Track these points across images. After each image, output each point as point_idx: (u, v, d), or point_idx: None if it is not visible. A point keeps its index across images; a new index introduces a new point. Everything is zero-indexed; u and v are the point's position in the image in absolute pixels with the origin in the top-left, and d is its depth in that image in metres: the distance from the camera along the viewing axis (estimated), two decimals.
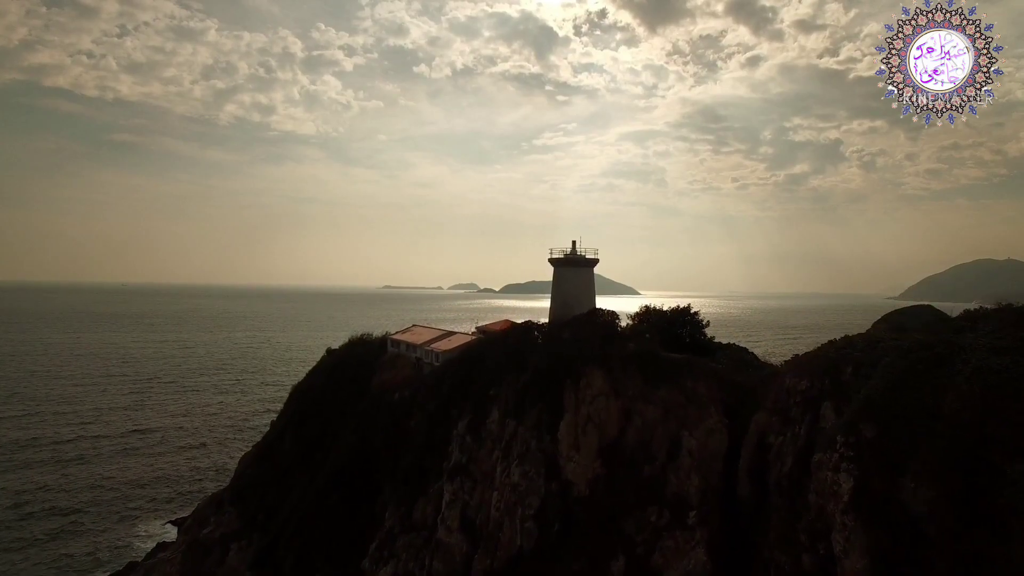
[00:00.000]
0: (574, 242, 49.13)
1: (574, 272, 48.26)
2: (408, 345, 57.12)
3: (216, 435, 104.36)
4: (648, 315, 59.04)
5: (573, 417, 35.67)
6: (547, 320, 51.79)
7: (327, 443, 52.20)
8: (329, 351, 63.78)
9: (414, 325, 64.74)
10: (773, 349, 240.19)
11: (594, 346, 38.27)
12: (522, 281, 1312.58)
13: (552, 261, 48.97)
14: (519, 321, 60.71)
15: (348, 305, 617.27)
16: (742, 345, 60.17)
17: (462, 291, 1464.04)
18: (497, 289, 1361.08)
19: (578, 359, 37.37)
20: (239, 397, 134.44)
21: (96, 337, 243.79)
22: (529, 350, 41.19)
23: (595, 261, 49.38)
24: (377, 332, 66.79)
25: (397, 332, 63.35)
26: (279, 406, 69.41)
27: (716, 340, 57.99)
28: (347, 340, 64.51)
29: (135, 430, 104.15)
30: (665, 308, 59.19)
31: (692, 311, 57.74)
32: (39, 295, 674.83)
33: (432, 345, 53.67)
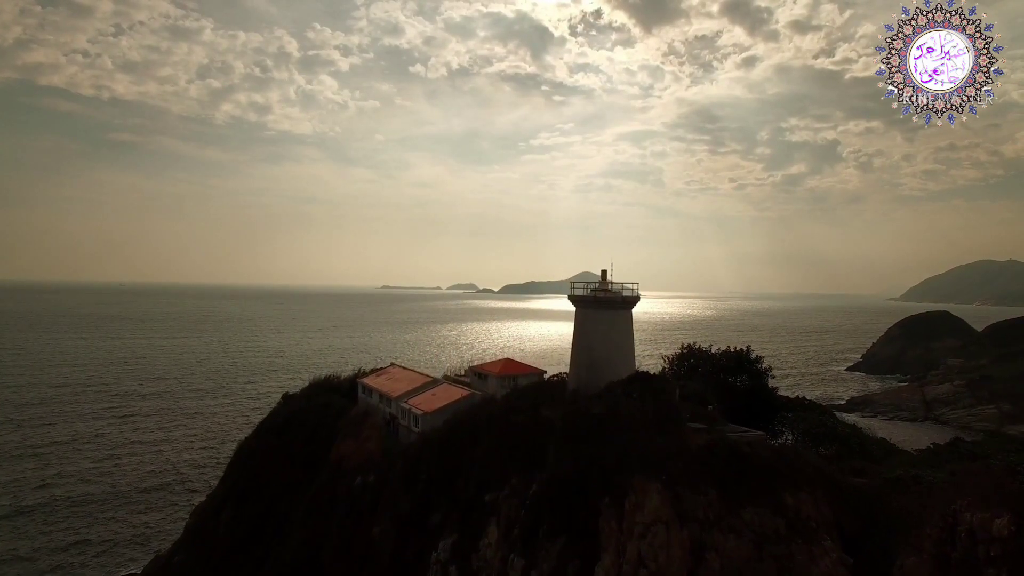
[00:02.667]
0: (604, 271, 34.81)
1: (605, 317, 33.26)
2: (382, 396, 44.36)
3: (183, 473, 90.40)
4: (691, 358, 46.38)
5: (615, 560, 22.84)
6: (559, 367, 38.87)
7: (270, 532, 39.37)
8: (285, 398, 50.69)
9: (392, 364, 52.12)
10: (790, 358, 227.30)
11: (642, 438, 25.38)
12: (521, 282, 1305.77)
13: (574, 299, 34.58)
14: (519, 361, 48.07)
15: (347, 306, 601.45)
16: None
17: (461, 291, 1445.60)
18: (496, 290, 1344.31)
19: (620, 462, 24.50)
20: (221, 421, 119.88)
21: (79, 343, 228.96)
22: (544, 433, 28.27)
23: (635, 300, 34.52)
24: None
25: (371, 374, 50.64)
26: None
27: (779, 391, 45.49)
28: (308, 383, 51.65)
29: (94, 466, 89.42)
30: (713, 350, 46.60)
31: (751, 354, 45.14)
32: (33, 295, 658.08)
33: (410, 400, 40.91)
